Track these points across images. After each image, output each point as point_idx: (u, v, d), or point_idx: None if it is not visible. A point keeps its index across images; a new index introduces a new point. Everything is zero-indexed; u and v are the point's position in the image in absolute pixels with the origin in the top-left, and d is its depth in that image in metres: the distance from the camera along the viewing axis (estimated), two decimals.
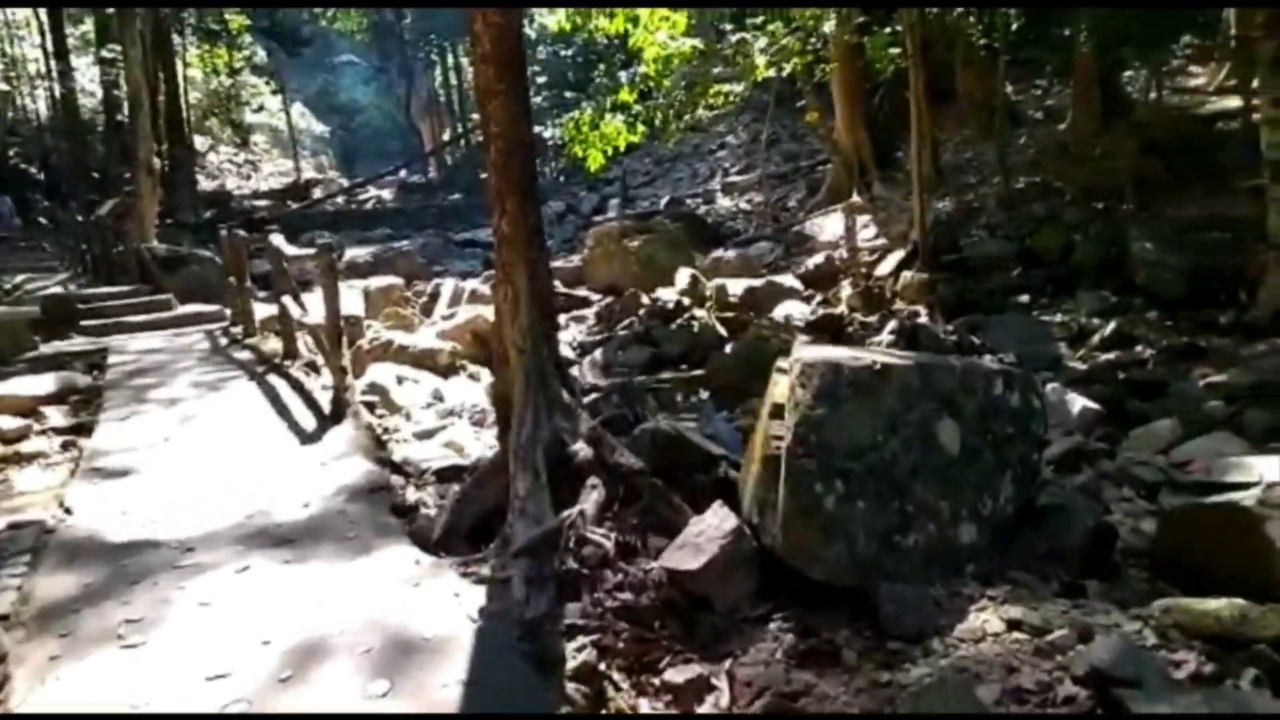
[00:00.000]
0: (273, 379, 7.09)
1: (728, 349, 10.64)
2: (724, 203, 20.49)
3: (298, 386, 6.83)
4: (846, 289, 14.13)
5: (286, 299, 7.45)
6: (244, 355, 8.16)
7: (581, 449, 4.34)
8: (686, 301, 13.12)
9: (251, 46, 33.68)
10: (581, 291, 17.12)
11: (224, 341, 9.12)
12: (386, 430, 6.62)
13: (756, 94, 16.86)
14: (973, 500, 3.86)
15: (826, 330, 11.16)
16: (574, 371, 12.17)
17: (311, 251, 6.46)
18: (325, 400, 6.43)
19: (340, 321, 6.11)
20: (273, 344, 8.45)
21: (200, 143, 34.53)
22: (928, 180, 15.31)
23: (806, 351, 4.05)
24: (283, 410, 6.18)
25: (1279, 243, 9.57)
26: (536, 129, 29.78)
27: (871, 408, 3.66)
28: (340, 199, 34.24)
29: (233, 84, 33.05)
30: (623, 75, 14.16)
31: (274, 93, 35.82)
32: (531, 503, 3.96)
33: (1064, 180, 13.47)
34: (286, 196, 32.89)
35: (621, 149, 15.60)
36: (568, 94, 32.61)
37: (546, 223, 22.99)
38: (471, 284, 16.66)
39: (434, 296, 16.71)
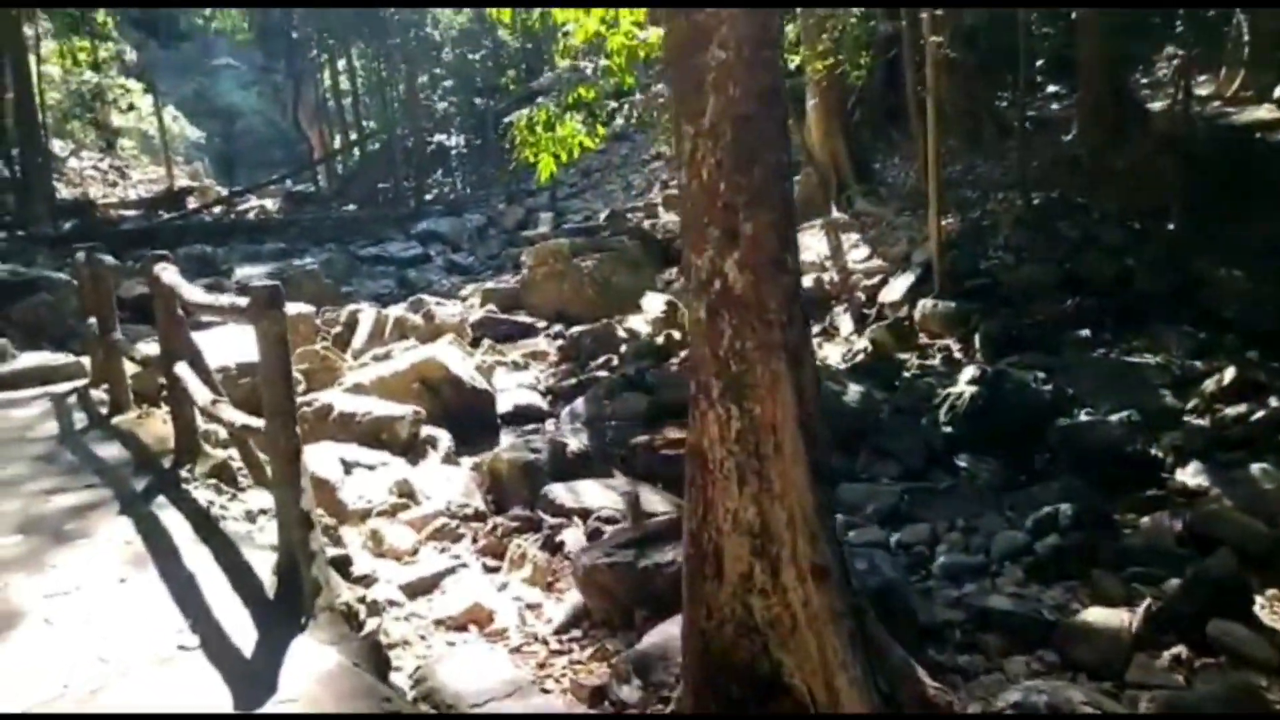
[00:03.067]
0: (162, 507, 4.12)
1: None
2: (669, 217, 18.00)
3: (207, 526, 3.90)
4: (844, 318, 11.88)
5: (181, 369, 4.49)
6: (112, 451, 5.08)
7: None
8: (677, 335, 10.55)
9: (120, 42, 29.27)
10: (522, 317, 14.35)
11: (81, 420, 5.97)
12: (355, 590, 3.79)
13: None
14: None
15: (874, 376, 8.78)
16: (550, 428, 9.44)
17: (238, 300, 3.60)
18: (259, 554, 3.58)
19: (296, 430, 3.28)
20: (156, 427, 5.43)
21: (59, 147, 29.82)
22: (926, 196, 13.26)
23: None
24: (188, 592, 3.29)
25: None
26: (439, 136, 26.52)
27: None
28: (217, 209, 30.15)
29: (97, 82, 28.55)
30: (586, 66, 11.51)
31: (145, 91, 31.36)
32: None
33: (1088, 197, 11.54)
34: (158, 206, 28.61)
35: (575, 155, 13.01)
36: (476, 100, 29.65)
37: (465, 237, 20.01)
38: (395, 311, 13.62)
39: (350, 326, 13.59)
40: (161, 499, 4.17)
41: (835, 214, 13.72)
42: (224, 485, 4.48)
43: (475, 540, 5.03)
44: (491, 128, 30.14)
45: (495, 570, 4.66)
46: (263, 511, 4.33)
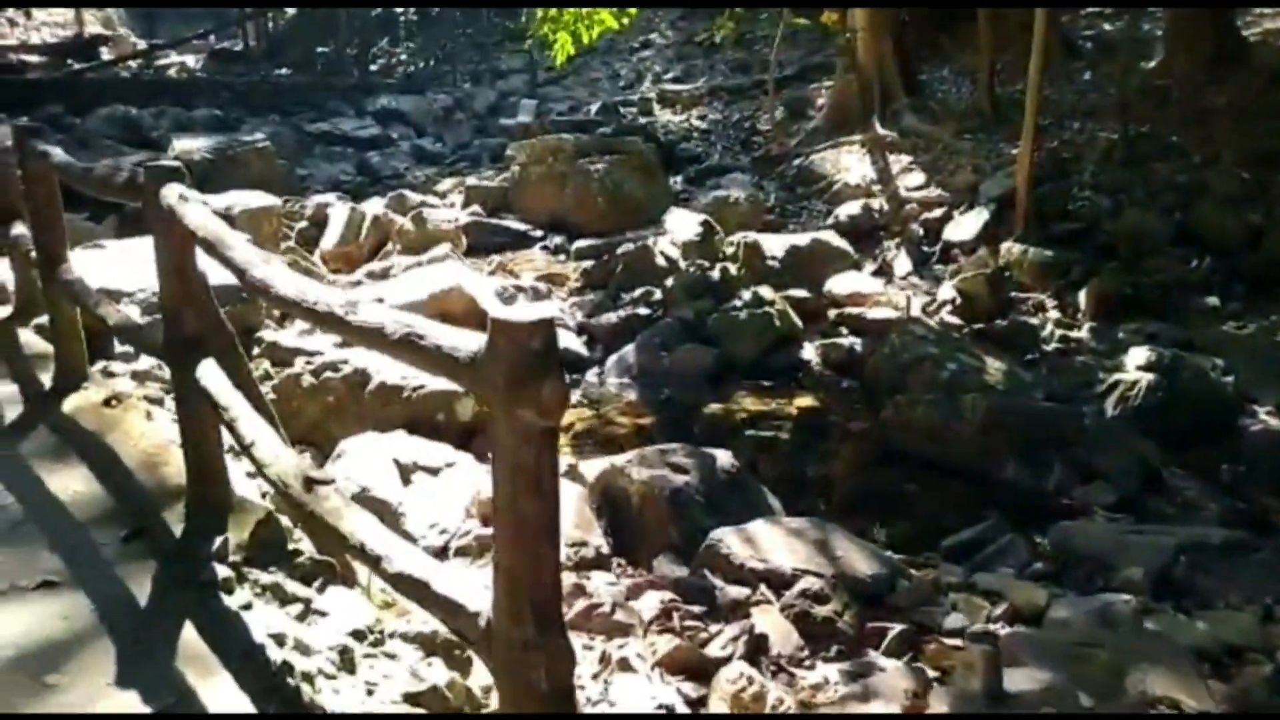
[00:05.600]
0: (195, 665, 2.24)
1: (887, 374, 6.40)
2: (666, 117, 15.82)
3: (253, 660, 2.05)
4: (900, 255, 10.24)
5: (216, 385, 2.53)
6: (74, 484, 3.00)
7: None
8: (733, 270, 8.72)
9: None
10: (510, 222, 12.22)
11: (12, 399, 3.87)
12: None
13: None
14: None
15: (1001, 343, 7.18)
16: (593, 379, 7.61)
17: (451, 341, 1.63)
18: None
19: (566, 634, 1.46)
20: (136, 430, 3.44)
21: None
22: (989, 116, 11.55)
23: None
24: None
25: None
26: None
27: None
28: (135, 63, 26.27)
29: None
30: None
31: None
32: None
33: (1185, 136, 9.99)
34: (67, 54, 24.68)
35: (597, 36, 10.85)
36: None
37: (430, 120, 17.33)
38: (372, 208, 11.33)
39: (318, 224, 11.32)
40: (189, 630, 2.27)
41: (880, 130, 11.88)
42: (282, 580, 2.59)
43: (645, 634, 3.27)
44: None
45: (701, 703, 2.94)
46: (358, 637, 2.49)
